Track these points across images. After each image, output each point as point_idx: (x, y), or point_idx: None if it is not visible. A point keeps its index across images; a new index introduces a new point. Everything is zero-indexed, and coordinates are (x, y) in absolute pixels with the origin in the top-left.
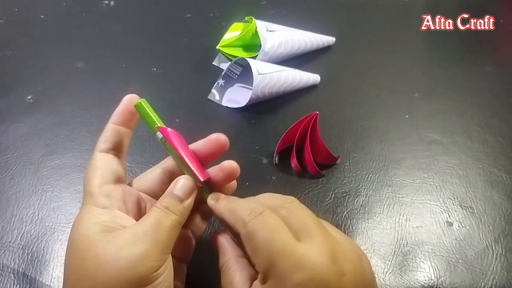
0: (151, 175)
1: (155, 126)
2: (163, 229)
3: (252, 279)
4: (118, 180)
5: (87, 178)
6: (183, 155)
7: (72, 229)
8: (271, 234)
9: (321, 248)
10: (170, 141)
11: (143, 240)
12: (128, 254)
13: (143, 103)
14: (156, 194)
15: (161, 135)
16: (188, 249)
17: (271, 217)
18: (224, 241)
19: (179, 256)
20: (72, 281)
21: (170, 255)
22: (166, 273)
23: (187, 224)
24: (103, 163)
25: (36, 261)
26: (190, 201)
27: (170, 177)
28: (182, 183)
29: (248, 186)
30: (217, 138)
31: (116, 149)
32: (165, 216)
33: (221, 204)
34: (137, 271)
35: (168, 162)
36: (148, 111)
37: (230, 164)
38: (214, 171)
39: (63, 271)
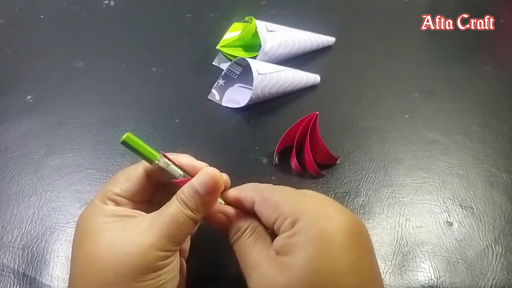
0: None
1: (158, 153)
2: (176, 225)
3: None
4: (140, 198)
5: (115, 179)
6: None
7: (84, 220)
8: (289, 190)
9: (333, 200)
10: (174, 162)
11: (156, 231)
12: (140, 241)
13: (131, 137)
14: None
15: (163, 161)
16: (185, 245)
17: (280, 186)
18: (232, 213)
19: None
20: (82, 266)
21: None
22: (174, 263)
23: None
24: (137, 179)
25: (36, 261)
26: (211, 199)
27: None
28: (204, 178)
29: None
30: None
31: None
32: (181, 213)
33: (230, 191)
34: (146, 258)
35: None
36: (139, 142)
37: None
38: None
39: (66, 271)
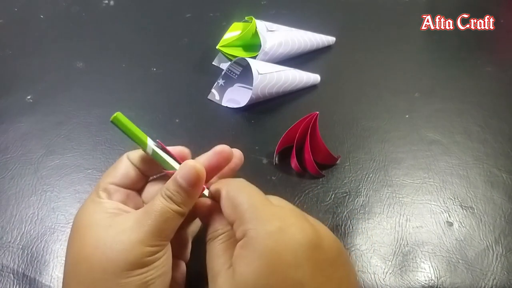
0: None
1: (145, 139)
2: (163, 219)
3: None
4: (130, 186)
5: (105, 174)
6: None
7: (76, 219)
8: (253, 193)
9: (294, 209)
10: (167, 150)
11: (142, 227)
12: (126, 238)
13: (119, 117)
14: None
15: (153, 147)
16: (184, 246)
17: (250, 184)
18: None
19: (175, 254)
20: (71, 266)
21: (170, 243)
22: (164, 259)
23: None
24: (124, 165)
25: (35, 261)
26: (195, 191)
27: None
28: (186, 171)
29: None
30: (222, 150)
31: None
32: (167, 207)
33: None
34: (133, 254)
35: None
36: (128, 124)
37: (223, 149)
38: (209, 157)
39: (63, 270)
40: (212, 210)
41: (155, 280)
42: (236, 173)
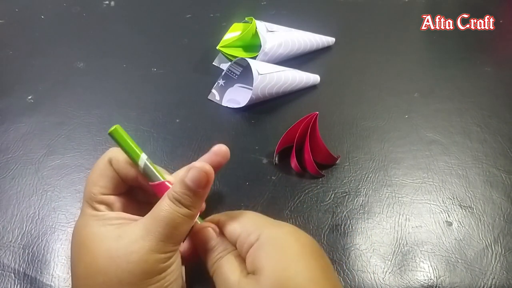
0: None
1: (141, 152)
2: (173, 225)
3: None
4: (121, 189)
5: (90, 182)
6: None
7: (78, 232)
8: (251, 212)
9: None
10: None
11: (153, 235)
12: (139, 248)
13: (118, 130)
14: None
15: (143, 163)
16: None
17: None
18: (211, 237)
19: None
20: (83, 279)
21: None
22: (177, 263)
23: None
24: (111, 171)
25: (36, 260)
26: (204, 193)
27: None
28: (194, 174)
29: (248, 186)
30: (219, 149)
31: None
32: (175, 213)
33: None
34: (148, 263)
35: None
36: (126, 138)
37: (220, 148)
38: (209, 157)
39: (64, 271)
40: (210, 237)
41: (172, 284)
42: (237, 174)
